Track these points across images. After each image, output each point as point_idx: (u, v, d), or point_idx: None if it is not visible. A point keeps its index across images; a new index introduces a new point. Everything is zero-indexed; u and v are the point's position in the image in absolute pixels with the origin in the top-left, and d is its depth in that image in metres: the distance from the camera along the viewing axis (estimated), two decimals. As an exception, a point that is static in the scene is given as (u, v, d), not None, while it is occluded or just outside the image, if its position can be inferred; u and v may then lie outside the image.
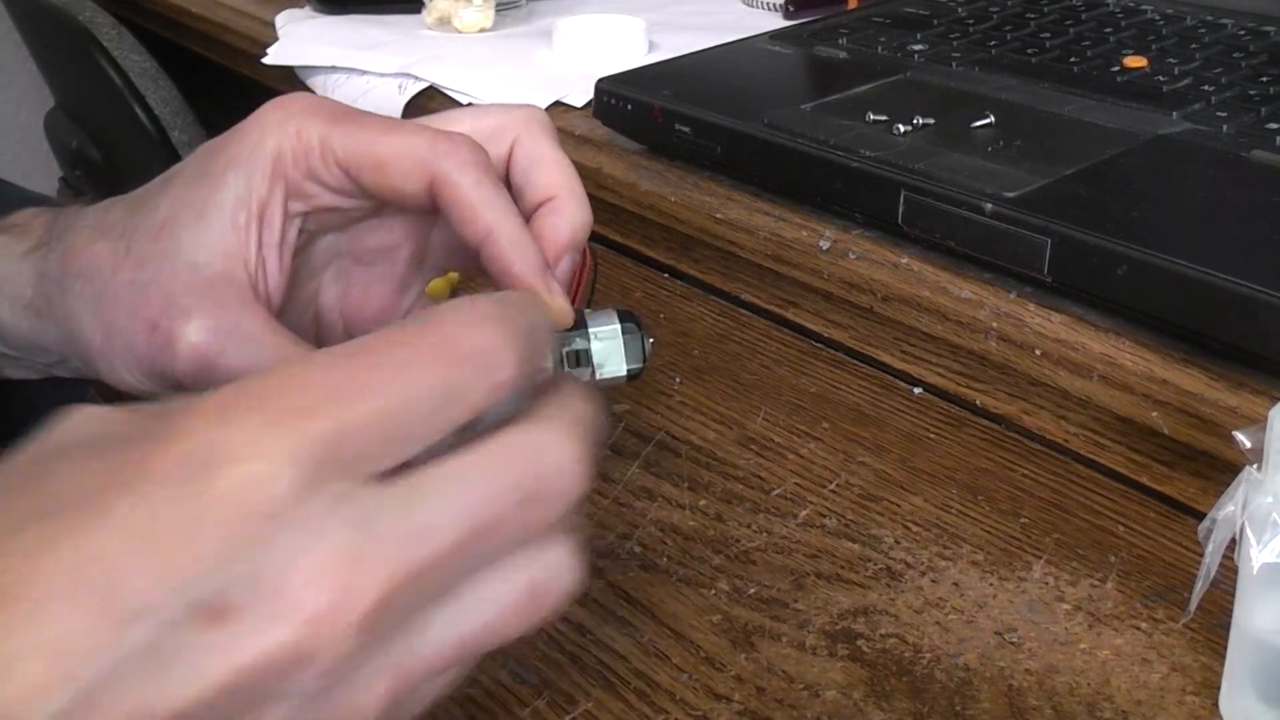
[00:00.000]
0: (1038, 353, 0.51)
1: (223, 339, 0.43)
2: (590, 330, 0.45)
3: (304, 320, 0.48)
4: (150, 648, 0.26)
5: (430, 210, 0.45)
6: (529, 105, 0.47)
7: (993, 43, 0.71)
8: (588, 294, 0.46)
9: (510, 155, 0.46)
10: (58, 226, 0.47)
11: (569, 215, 0.45)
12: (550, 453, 0.31)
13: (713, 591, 0.44)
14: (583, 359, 0.44)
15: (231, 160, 0.45)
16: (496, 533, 0.29)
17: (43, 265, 0.46)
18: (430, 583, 0.28)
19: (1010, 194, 0.53)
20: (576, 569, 0.31)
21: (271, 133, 0.45)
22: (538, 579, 0.31)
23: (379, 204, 0.47)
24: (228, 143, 0.45)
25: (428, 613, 0.29)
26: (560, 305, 0.43)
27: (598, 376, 0.44)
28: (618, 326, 0.45)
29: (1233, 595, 0.37)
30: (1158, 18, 0.74)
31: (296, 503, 0.27)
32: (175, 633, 0.26)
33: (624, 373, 0.45)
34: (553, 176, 0.45)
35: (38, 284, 0.46)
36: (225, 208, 0.44)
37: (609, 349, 0.45)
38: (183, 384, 0.44)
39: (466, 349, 0.30)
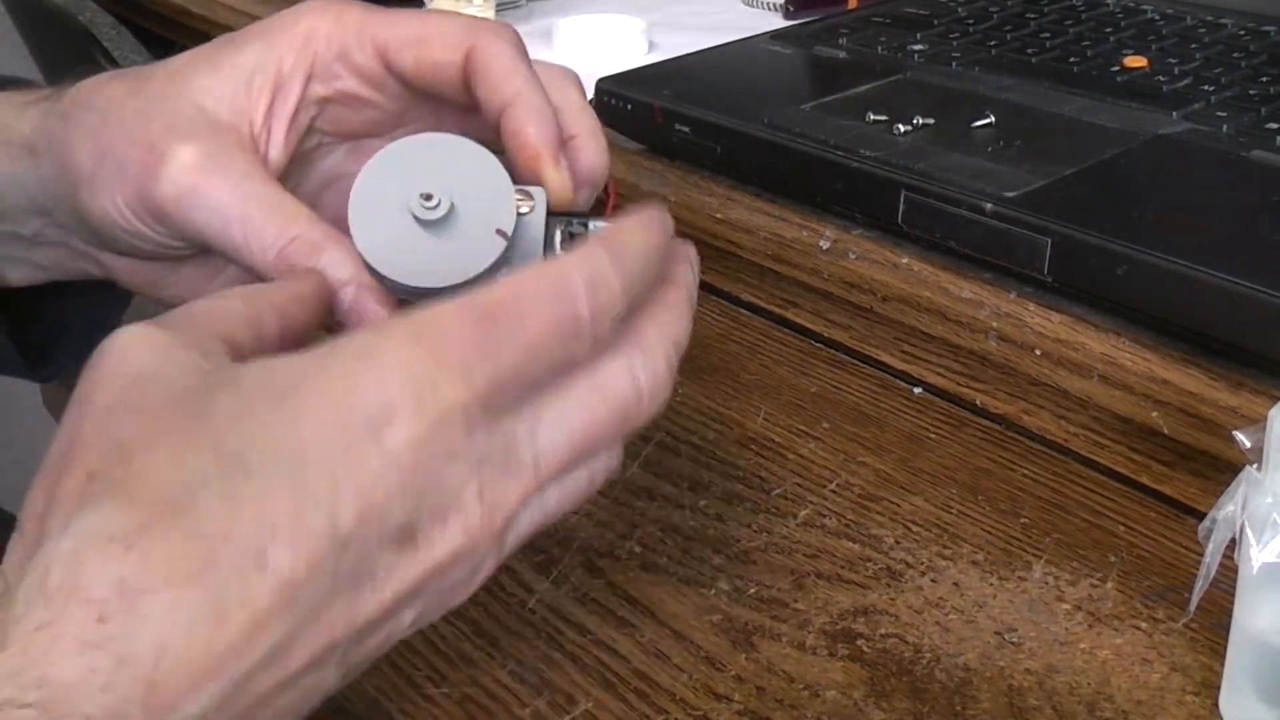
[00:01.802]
0: (1038, 353, 0.51)
1: (215, 167, 0.43)
2: (590, 221, 0.44)
3: None
4: (353, 571, 0.32)
5: (458, 96, 0.45)
6: (560, 64, 0.48)
7: (993, 43, 0.71)
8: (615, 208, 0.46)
9: None
10: (67, 84, 0.47)
11: (591, 153, 0.45)
12: (643, 381, 0.37)
13: (713, 591, 0.44)
14: (577, 243, 0.43)
15: (261, 31, 0.46)
16: (593, 451, 0.37)
17: (49, 106, 0.47)
18: (544, 490, 0.36)
19: (1010, 194, 0.53)
20: (651, 370, 0.38)
21: (309, 15, 0.45)
22: (596, 474, 0.38)
23: (398, 108, 0.47)
24: (261, 21, 0.46)
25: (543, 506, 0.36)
26: (563, 179, 0.43)
27: None
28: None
29: (1233, 595, 0.37)
30: (1158, 18, 0.74)
31: (463, 443, 0.33)
32: (373, 556, 0.32)
33: None
34: (579, 119, 0.46)
35: (40, 122, 0.46)
36: (242, 68, 0.45)
37: None
38: (163, 209, 0.43)
39: (580, 289, 0.35)
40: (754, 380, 0.57)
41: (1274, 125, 0.58)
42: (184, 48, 0.47)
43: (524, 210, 0.42)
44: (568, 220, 0.43)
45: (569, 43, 0.85)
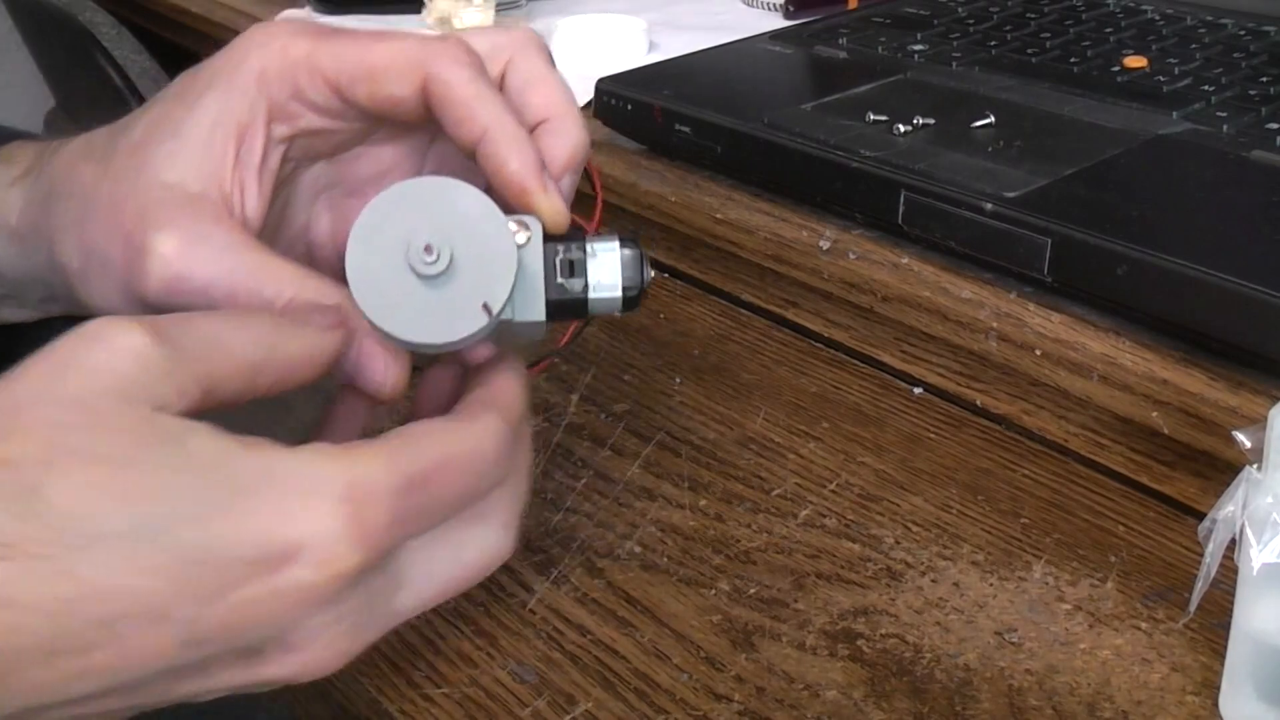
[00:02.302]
0: (1038, 353, 0.51)
1: (195, 250, 0.42)
2: (588, 244, 0.43)
3: (296, 254, 0.46)
4: (190, 665, 0.34)
5: (423, 121, 0.44)
6: (524, 29, 0.46)
7: (993, 43, 0.71)
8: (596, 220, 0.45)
9: (504, 75, 0.44)
10: (46, 153, 0.46)
11: (568, 135, 0.43)
12: (503, 553, 0.40)
13: (713, 591, 0.44)
14: (577, 269, 0.43)
15: (211, 81, 0.44)
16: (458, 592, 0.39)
17: (30, 190, 0.45)
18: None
19: (1010, 194, 0.53)
20: (507, 543, 0.40)
21: (255, 52, 0.43)
22: (471, 565, 0.39)
23: (366, 126, 0.46)
24: (209, 64, 0.44)
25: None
26: (556, 206, 0.42)
27: (591, 295, 0.43)
28: (616, 243, 0.43)
29: (1233, 595, 0.37)
30: (1158, 18, 0.74)
31: (342, 594, 0.34)
32: (213, 660, 0.34)
33: (618, 293, 0.43)
34: (549, 95, 0.44)
35: (24, 209, 0.45)
36: (201, 126, 0.43)
37: (605, 264, 0.43)
38: (153, 303, 0.42)
39: (490, 464, 0.38)
40: (754, 380, 0.57)
41: (1274, 125, 0.58)
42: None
43: (520, 241, 0.42)
44: (566, 245, 0.43)
45: (569, 43, 0.85)
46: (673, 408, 0.55)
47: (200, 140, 0.43)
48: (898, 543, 0.46)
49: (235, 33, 1.05)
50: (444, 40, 0.43)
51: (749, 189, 0.63)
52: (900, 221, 0.56)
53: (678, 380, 0.57)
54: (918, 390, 0.56)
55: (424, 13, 0.91)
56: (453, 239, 0.40)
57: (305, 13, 0.95)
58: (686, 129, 0.65)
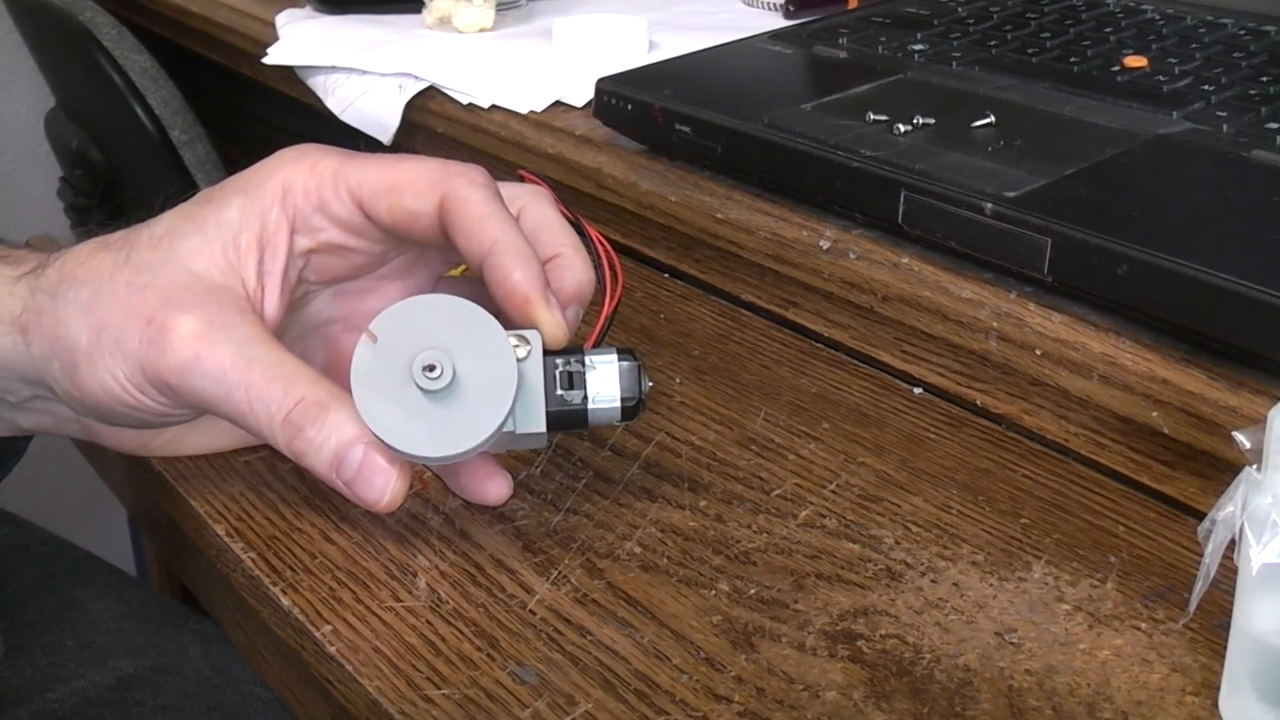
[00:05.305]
0: (1038, 353, 0.51)
1: (217, 335, 0.43)
2: (586, 356, 0.45)
3: None
4: None
5: (437, 241, 0.45)
6: (530, 185, 0.49)
7: (993, 43, 0.71)
8: (604, 332, 0.46)
9: (518, 218, 0.46)
10: (55, 253, 0.47)
11: (574, 270, 0.46)
12: None
13: (713, 592, 0.44)
14: (575, 381, 0.44)
15: (240, 188, 0.46)
16: None
17: (36, 282, 0.46)
18: None
19: (1010, 194, 0.53)
20: None
21: (284, 167, 0.46)
22: None
23: (382, 250, 0.48)
24: (240, 175, 0.46)
25: None
26: (556, 319, 0.44)
27: (590, 405, 0.45)
28: (614, 355, 0.45)
29: (1233, 595, 0.37)
30: (1158, 18, 0.74)
31: None
32: None
33: (617, 404, 0.45)
34: (559, 236, 0.47)
35: (29, 299, 0.46)
36: (228, 227, 0.45)
37: (604, 376, 0.45)
38: (167, 381, 0.44)
39: None
40: (754, 380, 0.57)
41: (1274, 125, 0.58)
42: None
43: (521, 355, 0.43)
44: (566, 359, 0.44)
45: (569, 42, 0.85)
46: (673, 408, 0.55)
47: (226, 239, 0.45)
48: (898, 543, 0.46)
49: (235, 33, 1.05)
50: (462, 164, 0.45)
51: (749, 189, 0.63)
52: (900, 221, 0.56)
53: (678, 380, 0.57)
54: (918, 390, 0.56)
55: (424, 12, 0.91)
56: (455, 354, 0.42)
57: (306, 11, 0.95)
58: (686, 129, 0.65)
